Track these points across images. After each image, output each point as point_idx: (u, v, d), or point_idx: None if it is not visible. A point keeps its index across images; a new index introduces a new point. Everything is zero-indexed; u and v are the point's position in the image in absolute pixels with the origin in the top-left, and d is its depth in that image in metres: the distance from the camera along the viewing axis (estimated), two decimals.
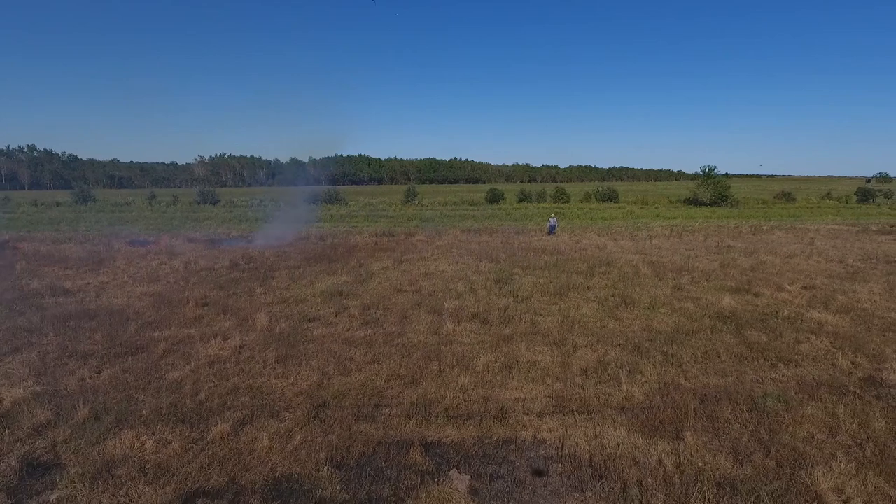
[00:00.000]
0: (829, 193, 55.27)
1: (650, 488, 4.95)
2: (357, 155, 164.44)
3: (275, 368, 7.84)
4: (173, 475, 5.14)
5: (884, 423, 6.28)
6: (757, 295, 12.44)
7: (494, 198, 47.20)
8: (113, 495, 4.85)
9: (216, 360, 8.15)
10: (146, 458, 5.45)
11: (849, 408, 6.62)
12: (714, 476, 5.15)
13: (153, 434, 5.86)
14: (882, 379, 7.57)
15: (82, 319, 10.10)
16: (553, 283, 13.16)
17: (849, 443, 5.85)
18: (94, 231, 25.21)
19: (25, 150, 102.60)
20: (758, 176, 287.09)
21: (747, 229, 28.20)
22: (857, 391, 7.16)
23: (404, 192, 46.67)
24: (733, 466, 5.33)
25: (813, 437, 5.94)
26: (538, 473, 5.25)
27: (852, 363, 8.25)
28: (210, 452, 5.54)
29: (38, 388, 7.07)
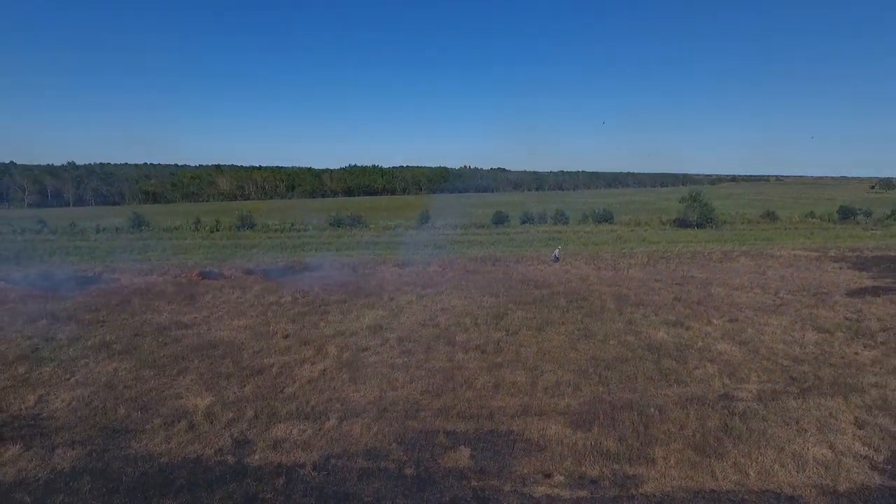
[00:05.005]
0: (811, 212, 59.16)
1: (565, 454, 9.43)
2: (371, 166, 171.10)
3: (349, 385, 12.43)
4: (314, 447, 9.73)
5: (716, 422, 10.68)
6: (687, 328, 16.78)
7: (500, 219, 52.05)
8: (287, 455, 9.45)
9: (311, 379, 12.77)
10: (295, 438, 10.06)
11: (699, 413, 11.03)
12: (602, 449, 9.62)
13: (295, 426, 10.48)
14: (733, 395, 11.95)
15: (209, 349, 14.79)
16: (537, 319, 17.63)
17: (687, 433, 10.27)
18: (164, 261, 30.21)
19: (67, 166, 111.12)
20: (766, 179, 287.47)
21: (718, 255, 32.34)
22: (712, 402, 11.56)
23: (418, 216, 51.71)
24: (615, 444, 9.78)
25: (668, 430, 10.37)
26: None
27: (723, 384, 12.61)
28: (329, 436, 10.13)
29: (212, 398, 11.73)
